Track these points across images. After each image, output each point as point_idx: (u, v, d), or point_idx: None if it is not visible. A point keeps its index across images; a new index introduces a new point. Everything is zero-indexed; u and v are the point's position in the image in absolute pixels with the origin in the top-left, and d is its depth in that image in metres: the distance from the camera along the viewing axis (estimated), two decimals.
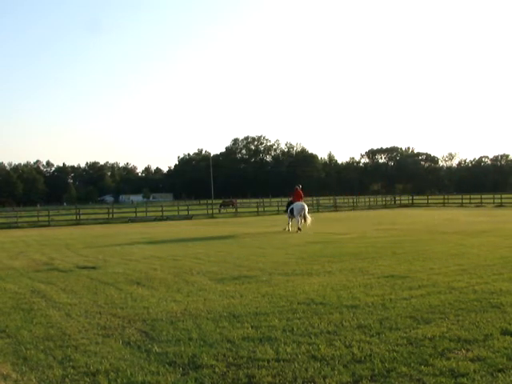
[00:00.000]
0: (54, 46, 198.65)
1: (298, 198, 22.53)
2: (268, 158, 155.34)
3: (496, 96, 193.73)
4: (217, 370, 4.64)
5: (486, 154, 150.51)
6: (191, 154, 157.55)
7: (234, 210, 46.36)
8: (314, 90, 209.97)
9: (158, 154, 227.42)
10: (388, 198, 59.49)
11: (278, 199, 59.20)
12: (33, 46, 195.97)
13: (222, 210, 45.85)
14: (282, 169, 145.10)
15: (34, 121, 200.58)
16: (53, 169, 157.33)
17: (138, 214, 39.26)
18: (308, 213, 22.23)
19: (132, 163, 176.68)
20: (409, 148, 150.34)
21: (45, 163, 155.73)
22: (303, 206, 21.73)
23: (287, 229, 21.94)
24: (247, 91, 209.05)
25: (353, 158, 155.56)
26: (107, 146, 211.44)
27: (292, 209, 22.01)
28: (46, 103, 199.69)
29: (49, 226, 32.81)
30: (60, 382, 4.48)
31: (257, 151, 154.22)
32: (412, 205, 53.76)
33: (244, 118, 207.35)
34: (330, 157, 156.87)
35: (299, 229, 21.06)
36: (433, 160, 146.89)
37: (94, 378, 4.55)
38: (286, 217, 23.52)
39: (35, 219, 35.74)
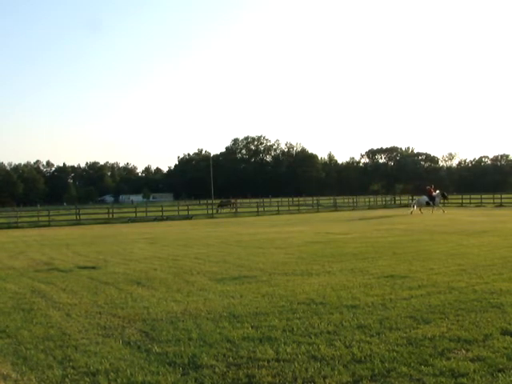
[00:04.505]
0: (54, 46, 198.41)
1: (428, 194, 36.66)
2: (268, 158, 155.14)
3: (496, 96, 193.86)
4: (217, 370, 4.64)
5: (486, 154, 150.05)
6: (191, 153, 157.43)
7: (233, 211, 46.25)
8: (314, 89, 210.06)
9: (158, 153, 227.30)
10: (388, 198, 59.47)
11: (278, 199, 59.28)
12: (33, 45, 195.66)
13: (221, 211, 45.70)
14: (282, 169, 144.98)
15: (34, 121, 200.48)
16: (53, 169, 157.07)
17: (138, 214, 39.23)
18: (424, 205, 36.02)
19: (132, 163, 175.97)
20: (409, 148, 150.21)
21: (45, 163, 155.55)
22: (421, 199, 37.08)
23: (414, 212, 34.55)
24: (247, 91, 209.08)
25: (353, 158, 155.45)
26: (107, 146, 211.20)
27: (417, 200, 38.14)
28: (46, 103, 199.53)
29: (49, 226, 32.79)
30: (60, 382, 4.49)
31: (257, 151, 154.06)
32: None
33: (244, 117, 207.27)
34: (330, 157, 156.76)
35: (411, 212, 34.34)
36: (433, 160, 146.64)
37: (93, 377, 4.55)
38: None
39: (35, 219, 35.73)
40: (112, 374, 4.62)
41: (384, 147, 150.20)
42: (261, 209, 45.02)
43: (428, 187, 37.36)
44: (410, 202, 55.24)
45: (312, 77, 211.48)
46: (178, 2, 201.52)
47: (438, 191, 37.23)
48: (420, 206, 36.39)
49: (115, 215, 39.01)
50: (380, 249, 13.48)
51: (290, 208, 49.72)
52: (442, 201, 38.11)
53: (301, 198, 63.87)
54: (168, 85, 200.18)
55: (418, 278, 8.78)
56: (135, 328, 6.13)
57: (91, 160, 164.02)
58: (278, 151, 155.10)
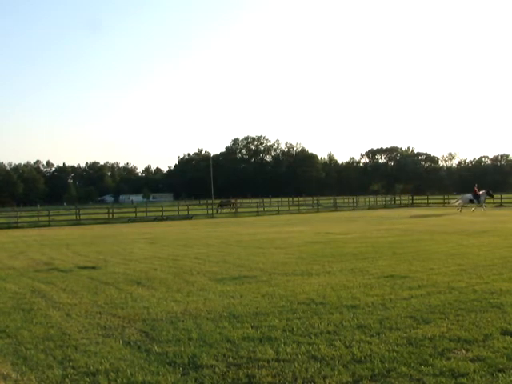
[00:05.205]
0: (54, 46, 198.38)
1: (473, 192, 37.86)
2: (268, 158, 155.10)
3: (496, 96, 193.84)
4: (217, 370, 4.64)
5: (486, 154, 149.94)
6: (191, 153, 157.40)
7: (233, 211, 46.25)
8: (314, 89, 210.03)
9: (158, 153, 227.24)
10: (388, 198, 59.46)
11: (278, 199, 59.28)
12: (32, 45, 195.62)
13: (221, 211, 45.70)
14: (282, 169, 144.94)
15: (34, 121, 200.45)
16: (53, 169, 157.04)
17: (138, 214, 39.23)
18: (470, 203, 37.25)
19: (132, 163, 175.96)
20: (409, 148, 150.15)
21: (45, 163, 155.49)
22: (465, 197, 38.64)
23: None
24: (247, 91, 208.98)
25: (353, 158, 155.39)
26: (107, 146, 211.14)
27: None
28: (46, 103, 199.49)
29: (49, 226, 32.80)
30: (60, 382, 4.49)
31: (257, 151, 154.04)
32: (412, 205, 53.74)
33: (244, 117, 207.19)
34: (330, 157, 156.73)
35: (460, 210, 35.99)
36: (433, 160, 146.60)
37: (94, 377, 4.55)
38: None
39: (35, 219, 35.75)
40: (112, 373, 4.62)
41: (384, 147, 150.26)
42: (261, 209, 45.02)
43: (475, 187, 38.66)
44: (410, 201, 55.61)
45: (312, 77, 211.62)
46: (178, 2, 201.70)
47: (483, 190, 38.31)
48: (463, 203, 37.52)
49: (115, 215, 39.02)
50: (380, 249, 13.48)
51: (290, 208, 49.73)
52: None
53: (301, 198, 63.85)
54: (168, 85, 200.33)
55: (417, 278, 8.78)
56: (135, 328, 6.13)
57: (91, 160, 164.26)
58: (278, 151, 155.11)
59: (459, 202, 38.74)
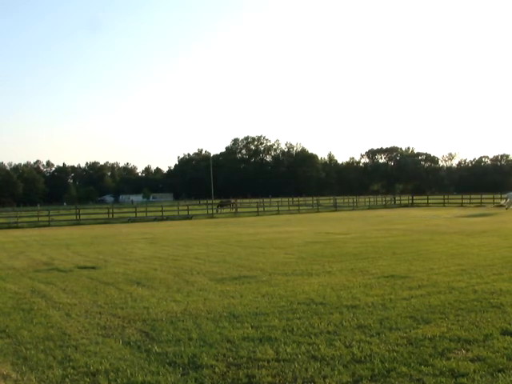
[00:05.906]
0: (54, 46, 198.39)
1: None
2: (268, 158, 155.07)
3: (496, 96, 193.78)
4: (217, 370, 4.64)
5: (486, 154, 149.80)
6: (191, 153, 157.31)
7: (233, 211, 46.27)
8: (314, 89, 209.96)
9: (158, 153, 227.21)
10: (388, 198, 59.51)
11: (278, 199, 59.31)
12: (32, 45, 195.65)
13: (221, 211, 45.71)
14: (282, 169, 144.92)
15: (34, 121, 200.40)
16: (53, 169, 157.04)
17: (138, 214, 39.23)
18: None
19: (132, 163, 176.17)
20: (409, 148, 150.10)
21: (45, 163, 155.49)
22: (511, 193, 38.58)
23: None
24: (247, 91, 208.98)
25: (353, 158, 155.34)
26: (107, 146, 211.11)
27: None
28: (46, 103, 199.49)
29: (49, 226, 32.78)
30: (60, 382, 4.49)
31: (257, 151, 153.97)
32: (412, 205, 53.75)
33: (244, 117, 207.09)
34: (330, 157, 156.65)
35: (506, 208, 37.00)
36: (433, 160, 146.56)
37: (93, 377, 4.55)
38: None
39: (35, 219, 35.75)
40: (112, 373, 4.62)
41: (384, 147, 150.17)
42: (261, 209, 45.02)
43: None
44: (410, 201, 55.65)
45: (312, 77, 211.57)
46: (177, 2, 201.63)
47: None
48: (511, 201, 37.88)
49: (115, 215, 39.02)
50: (380, 249, 13.48)
51: (290, 208, 49.73)
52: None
53: (301, 198, 63.88)
54: (168, 85, 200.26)
55: (418, 278, 8.78)
56: (135, 328, 6.13)
57: (91, 160, 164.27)
58: (278, 151, 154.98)
59: (508, 200, 38.20)
